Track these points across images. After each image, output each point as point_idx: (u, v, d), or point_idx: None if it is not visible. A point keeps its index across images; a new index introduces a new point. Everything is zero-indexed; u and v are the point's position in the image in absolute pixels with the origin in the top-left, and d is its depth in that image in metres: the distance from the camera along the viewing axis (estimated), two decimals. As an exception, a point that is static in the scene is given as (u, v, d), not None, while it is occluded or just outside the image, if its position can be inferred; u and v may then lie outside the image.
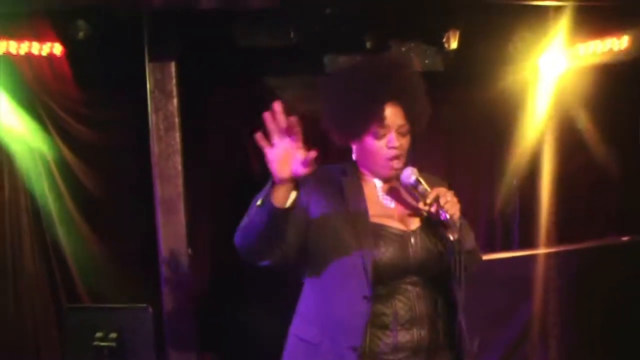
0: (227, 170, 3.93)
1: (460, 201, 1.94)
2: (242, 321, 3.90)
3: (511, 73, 3.82)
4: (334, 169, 2.12)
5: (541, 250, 3.76)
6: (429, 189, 1.95)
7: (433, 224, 2.00)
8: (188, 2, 3.21)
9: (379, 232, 1.99)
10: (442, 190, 1.94)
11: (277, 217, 1.79)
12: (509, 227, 4.26)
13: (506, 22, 3.50)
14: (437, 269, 1.99)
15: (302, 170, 1.72)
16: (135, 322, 3.41)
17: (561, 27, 3.47)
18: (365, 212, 2.02)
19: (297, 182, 1.78)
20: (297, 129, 1.71)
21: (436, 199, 1.91)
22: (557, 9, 3.38)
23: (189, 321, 3.55)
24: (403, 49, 3.60)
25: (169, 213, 3.49)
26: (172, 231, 3.49)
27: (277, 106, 1.70)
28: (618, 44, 3.71)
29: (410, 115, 2.02)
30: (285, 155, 1.73)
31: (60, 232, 3.72)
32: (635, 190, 4.15)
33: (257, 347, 4.06)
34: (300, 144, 1.73)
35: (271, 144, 1.72)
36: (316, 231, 2.01)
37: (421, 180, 1.98)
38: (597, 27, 3.64)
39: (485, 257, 3.32)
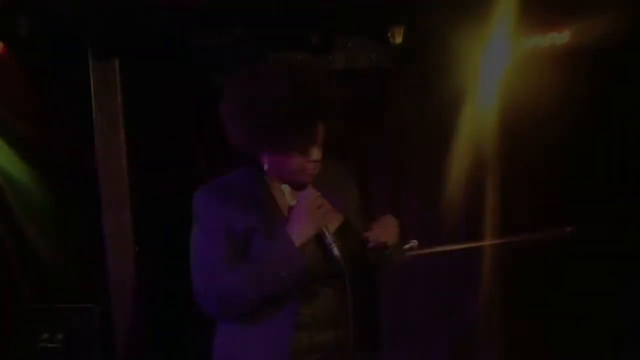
0: (174, 167, 3.89)
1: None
2: (194, 318, 3.88)
3: (455, 68, 3.84)
4: (238, 179, 2.09)
5: (487, 242, 3.81)
6: None
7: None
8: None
9: None
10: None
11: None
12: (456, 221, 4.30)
13: (449, 17, 3.53)
14: (332, 273, 1.98)
15: None
16: (82, 322, 3.40)
17: (504, 21, 3.50)
18: (279, 218, 2.02)
19: None
20: None
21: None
22: (500, 3, 3.41)
23: (137, 320, 3.52)
24: (349, 45, 3.61)
25: (115, 212, 3.45)
26: (118, 230, 3.45)
27: None
28: (560, 38, 3.77)
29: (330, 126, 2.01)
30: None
31: (3, 232, 3.67)
32: (580, 182, 4.23)
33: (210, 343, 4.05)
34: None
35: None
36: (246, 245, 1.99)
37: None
38: (540, 22, 3.69)
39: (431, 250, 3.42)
